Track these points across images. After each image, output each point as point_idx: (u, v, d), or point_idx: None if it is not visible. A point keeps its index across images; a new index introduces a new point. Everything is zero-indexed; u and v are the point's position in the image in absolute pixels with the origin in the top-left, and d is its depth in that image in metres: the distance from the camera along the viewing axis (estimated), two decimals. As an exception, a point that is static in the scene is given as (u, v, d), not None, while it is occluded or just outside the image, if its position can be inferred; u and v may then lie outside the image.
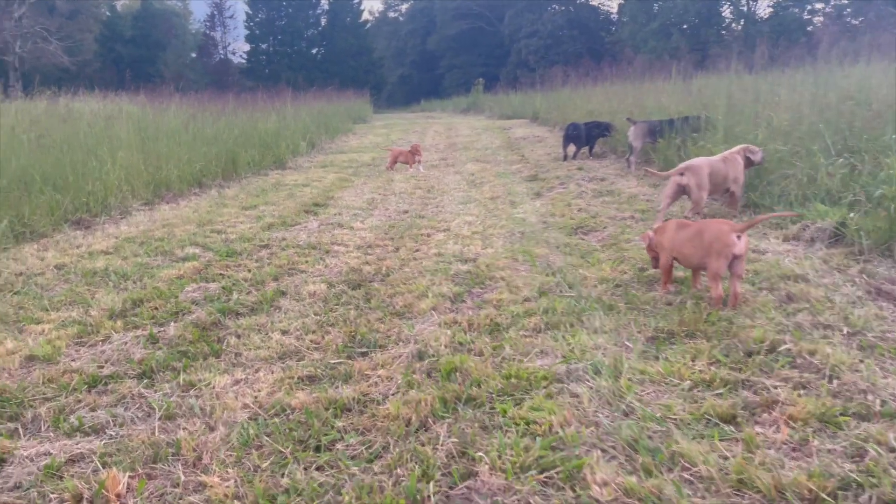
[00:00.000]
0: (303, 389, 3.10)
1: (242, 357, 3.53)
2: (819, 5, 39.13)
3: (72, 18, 50.12)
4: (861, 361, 3.14)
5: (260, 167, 12.65)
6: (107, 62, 51.28)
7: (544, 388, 3.01)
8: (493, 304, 4.28)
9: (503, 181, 10.16)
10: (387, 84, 62.90)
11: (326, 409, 2.88)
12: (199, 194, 9.85)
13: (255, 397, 3.03)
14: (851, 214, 5.42)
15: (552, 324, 3.82)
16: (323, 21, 59.00)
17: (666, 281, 4.44)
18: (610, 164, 11.63)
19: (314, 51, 58.71)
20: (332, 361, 3.43)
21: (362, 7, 60.26)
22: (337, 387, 3.12)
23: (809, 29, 36.48)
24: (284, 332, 3.89)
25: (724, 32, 45.68)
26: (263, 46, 57.13)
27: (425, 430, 2.69)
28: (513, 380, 3.07)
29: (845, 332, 3.53)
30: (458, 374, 3.17)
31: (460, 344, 3.59)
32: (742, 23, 44.90)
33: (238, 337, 3.81)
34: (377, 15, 77.97)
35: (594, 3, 57.31)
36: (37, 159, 8.08)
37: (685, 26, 44.45)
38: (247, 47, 57.81)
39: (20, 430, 2.77)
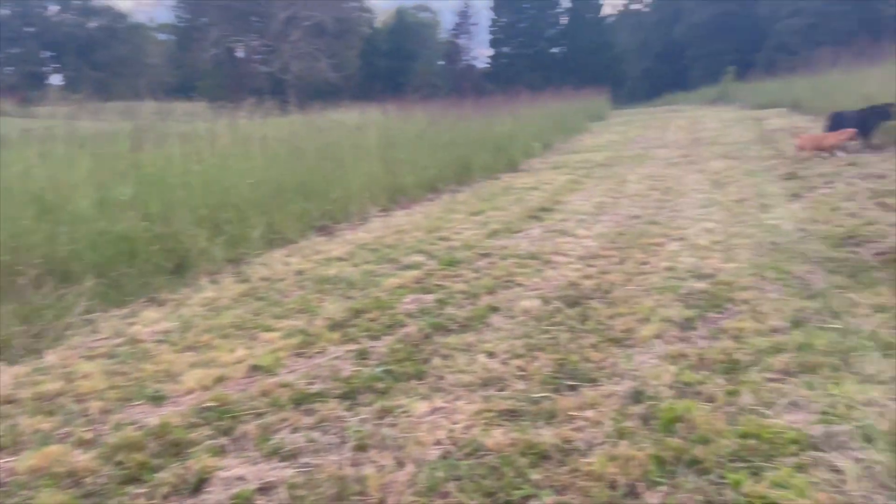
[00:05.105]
0: (501, 426, 2.82)
1: (444, 381, 3.35)
2: None
3: (339, 38, 55.69)
4: None
5: (493, 171, 12.70)
6: (367, 75, 56.17)
7: (793, 455, 2.39)
8: (732, 334, 3.64)
9: (753, 180, 9.02)
10: (627, 79, 60.69)
11: (523, 456, 2.57)
12: (432, 199, 10.11)
13: (451, 431, 2.82)
14: None
15: (808, 366, 3.11)
16: (563, 20, 58.75)
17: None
18: (891, 156, 9.79)
19: (554, 50, 58.69)
20: (536, 395, 3.10)
21: (601, 2, 58.95)
22: (538, 427, 2.80)
23: None
24: (490, 355, 3.66)
25: None
26: (505, 50, 58.45)
27: (634, 498, 2.26)
28: (751, 440, 2.49)
29: None
30: (681, 425, 2.67)
31: (686, 385, 3.05)
32: None
33: (444, 357, 3.66)
34: (620, 9, 75.73)
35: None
36: (290, 169, 8.85)
37: None
38: (490, 52, 59.68)
39: (229, 447, 2.85)
